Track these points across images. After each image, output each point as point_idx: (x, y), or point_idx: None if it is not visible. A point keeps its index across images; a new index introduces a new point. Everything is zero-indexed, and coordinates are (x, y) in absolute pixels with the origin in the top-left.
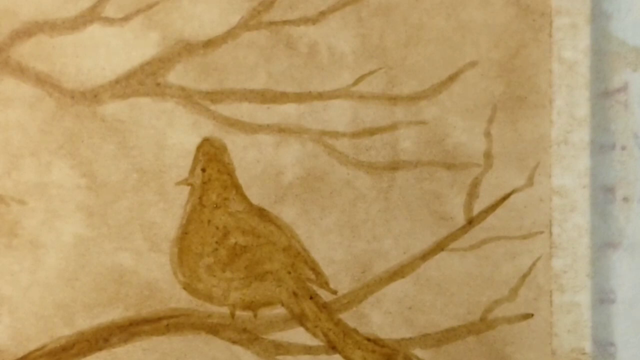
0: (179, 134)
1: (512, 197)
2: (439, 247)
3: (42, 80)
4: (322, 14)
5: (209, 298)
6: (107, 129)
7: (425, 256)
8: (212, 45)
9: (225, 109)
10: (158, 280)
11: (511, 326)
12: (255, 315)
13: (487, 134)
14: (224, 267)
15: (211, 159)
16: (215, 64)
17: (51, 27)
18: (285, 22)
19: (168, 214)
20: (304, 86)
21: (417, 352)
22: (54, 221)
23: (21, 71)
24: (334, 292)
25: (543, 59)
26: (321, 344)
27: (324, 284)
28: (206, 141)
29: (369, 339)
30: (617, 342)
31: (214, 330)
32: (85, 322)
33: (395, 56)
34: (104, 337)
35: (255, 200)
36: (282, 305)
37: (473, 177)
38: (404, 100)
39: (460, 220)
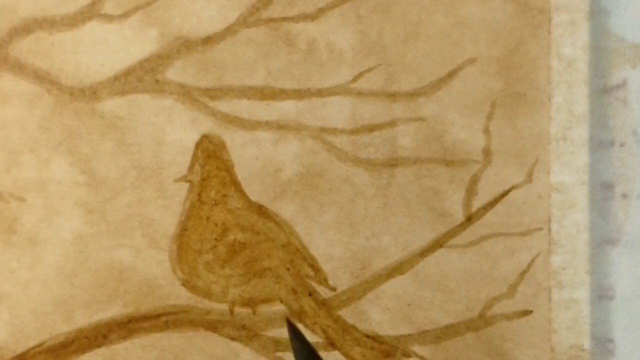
0: (178, 130)
1: (511, 193)
2: (438, 243)
3: (41, 77)
4: (321, 11)
5: (208, 295)
6: (106, 126)
7: (424, 253)
8: (211, 42)
9: (224, 106)
10: (157, 276)
11: (510, 323)
12: (254, 312)
13: (486, 131)
14: (223, 263)
15: (210, 156)
16: (214, 61)
17: (50, 24)
18: (284, 19)
19: (167, 210)
20: (302, 83)
21: (416, 348)
22: (53, 218)
23: (20, 68)
24: (333, 289)
25: (542, 56)
26: (320, 340)
27: (323, 281)
28: (205, 138)
29: (367, 336)
30: (615, 339)
31: (213, 326)
32: (84, 319)
33: (394, 53)
34: (103, 333)
35: (254, 197)
36: (281, 301)
37: (472, 174)
38: (402, 97)
39: (459, 216)
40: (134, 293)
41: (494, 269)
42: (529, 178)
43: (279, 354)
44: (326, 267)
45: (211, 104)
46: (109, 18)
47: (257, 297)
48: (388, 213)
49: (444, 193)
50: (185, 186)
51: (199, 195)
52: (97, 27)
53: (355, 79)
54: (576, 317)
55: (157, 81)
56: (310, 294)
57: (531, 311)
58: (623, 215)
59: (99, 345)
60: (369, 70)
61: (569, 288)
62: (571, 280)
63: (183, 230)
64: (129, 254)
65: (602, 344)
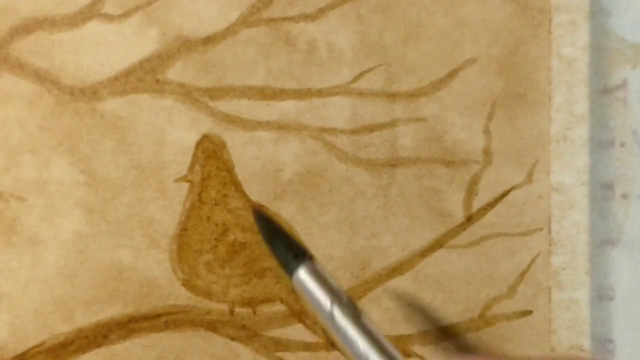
0: (178, 130)
1: (511, 194)
2: (438, 244)
3: (41, 77)
4: (321, 11)
5: (208, 295)
6: (106, 126)
7: (424, 253)
8: (211, 42)
9: (225, 106)
10: (157, 276)
11: (510, 323)
12: (254, 312)
13: (486, 131)
14: (223, 263)
15: (210, 156)
16: (214, 61)
17: (50, 23)
18: (284, 19)
19: (167, 210)
20: (303, 83)
21: (416, 348)
22: (53, 218)
23: (20, 68)
24: None
25: (542, 56)
26: (320, 340)
27: None
28: (205, 138)
29: None
30: (615, 339)
31: (213, 327)
32: (84, 319)
33: (394, 53)
34: (103, 333)
35: (254, 197)
36: (282, 301)
37: (472, 174)
38: (403, 97)
39: (459, 217)
40: (134, 293)
41: (494, 269)
42: (529, 178)
43: (279, 354)
44: (326, 267)
45: (211, 104)
46: (109, 18)
47: (257, 297)
48: (388, 213)
49: (444, 193)
50: (185, 186)
51: (199, 195)
52: (97, 27)
53: (355, 79)
54: (576, 317)
55: (157, 81)
56: None
57: (531, 311)
58: (623, 216)
59: (99, 345)
60: (369, 70)
61: (569, 288)
62: (571, 280)
63: (183, 230)
64: (129, 254)
65: (602, 344)
